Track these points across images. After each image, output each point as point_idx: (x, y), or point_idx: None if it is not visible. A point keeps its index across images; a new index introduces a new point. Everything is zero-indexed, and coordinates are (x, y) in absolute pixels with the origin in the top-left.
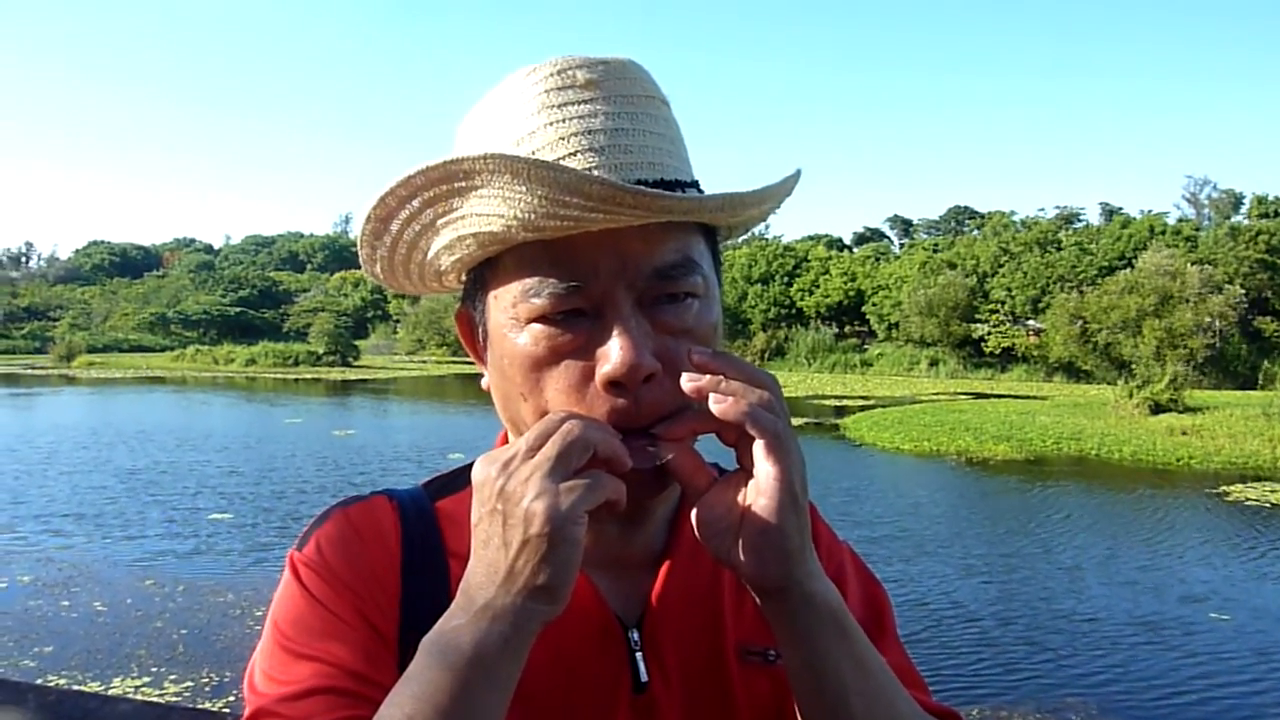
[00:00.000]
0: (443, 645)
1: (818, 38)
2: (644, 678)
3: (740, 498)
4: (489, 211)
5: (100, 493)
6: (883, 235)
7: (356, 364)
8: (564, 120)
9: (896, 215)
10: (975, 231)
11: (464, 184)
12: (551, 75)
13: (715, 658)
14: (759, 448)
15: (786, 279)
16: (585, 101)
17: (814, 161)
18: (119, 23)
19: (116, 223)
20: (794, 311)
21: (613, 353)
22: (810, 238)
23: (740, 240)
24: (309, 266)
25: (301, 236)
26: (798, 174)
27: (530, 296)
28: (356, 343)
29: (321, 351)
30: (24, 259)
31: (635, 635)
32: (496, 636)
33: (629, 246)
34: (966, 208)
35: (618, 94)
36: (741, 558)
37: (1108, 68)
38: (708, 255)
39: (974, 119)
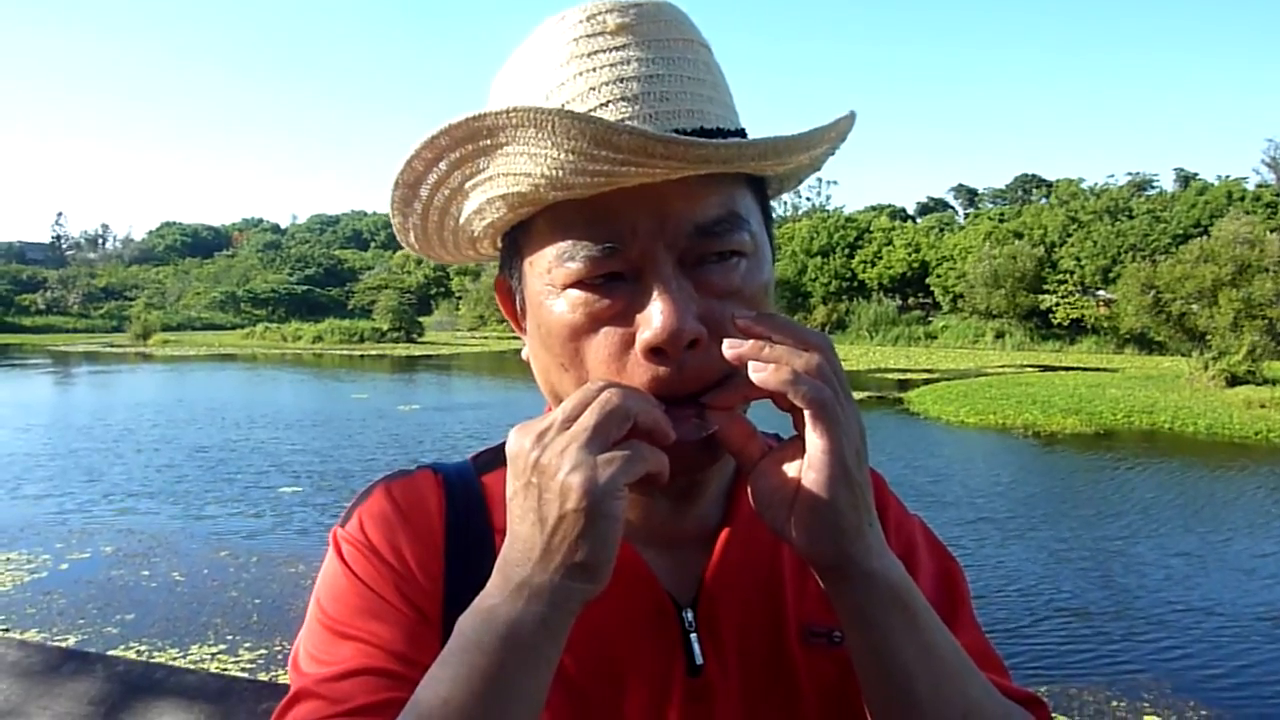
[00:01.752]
0: (478, 626)
1: (881, 8)
2: (699, 660)
3: (795, 468)
4: (516, 170)
5: (176, 467)
6: (947, 205)
7: (420, 340)
8: (594, 69)
9: (961, 185)
10: (1043, 200)
11: (489, 142)
12: (581, 22)
13: (776, 639)
14: (807, 418)
15: (848, 251)
16: (617, 48)
17: (877, 132)
18: (189, 5)
19: (187, 204)
20: (856, 284)
21: (653, 318)
22: (873, 208)
23: (801, 212)
24: (373, 244)
25: (365, 215)
26: (851, 116)
27: (565, 261)
28: (420, 319)
29: (386, 328)
30: (101, 241)
31: (690, 615)
32: (534, 616)
33: (668, 203)
34: (1034, 176)
35: (652, 38)
36: (794, 533)
37: (1182, 31)
38: (756, 210)
39: (1041, 86)
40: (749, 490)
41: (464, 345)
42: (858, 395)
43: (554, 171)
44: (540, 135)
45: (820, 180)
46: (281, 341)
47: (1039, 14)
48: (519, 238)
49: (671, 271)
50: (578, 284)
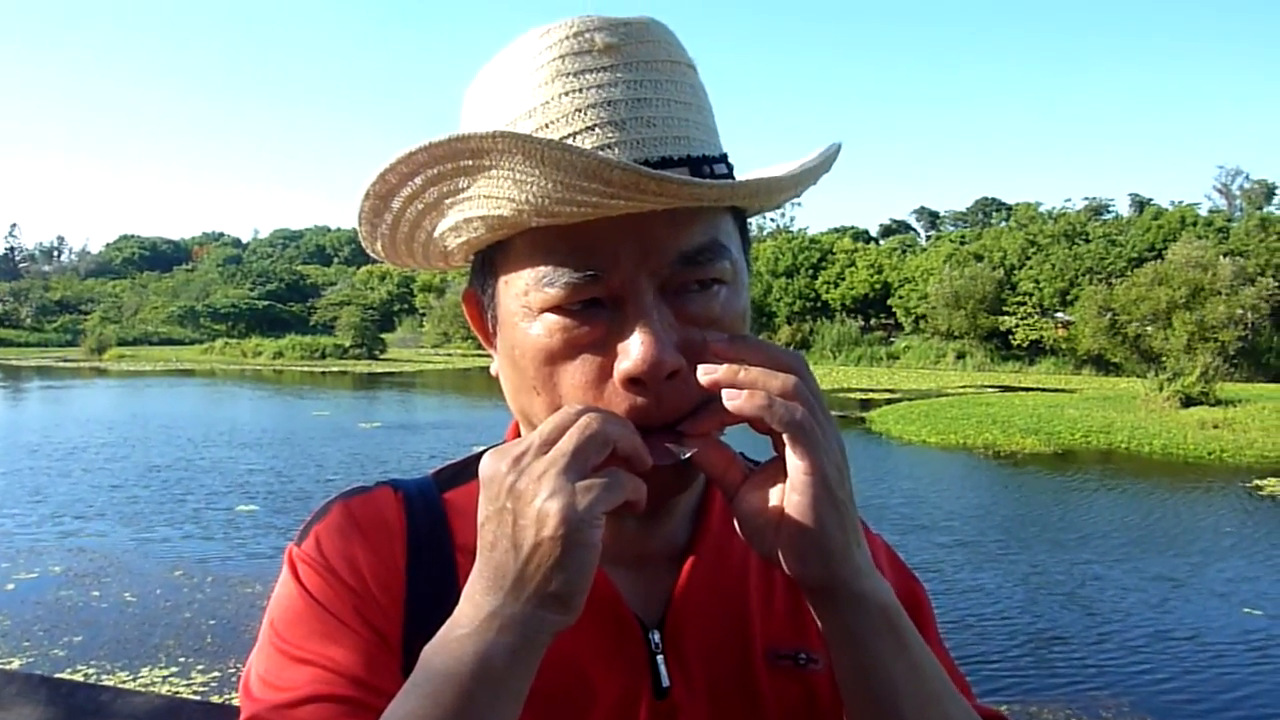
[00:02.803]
0: (445, 657)
1: (843, 31)
2: (665, 682)
3: (778, 492)
4: (498, 194)
5: (130, 484)
6: (909, 227)
7: (383, 357)
8: (580, 90)
9: (923, 207)
10: (1003, 223)
11: (471, 163)
12: (567, 39)
13: (742, 661)
14: (786, 440)
15: (812, 272)
16: (604, 69)
17: (840, 155)
18: (149, 17)
19: (146, 217)
20: (819, 304)
21: (633, 348)
22: (836, 230)
23: (766, 233)
24: (336, 260)
25: (328, 230)
26: (836, 148)
27: (544, 285)
28: (383, 336)
29: (348, 344)
30: (56, 253)
31: (656, 637)
32: (504, 648)
33: (653, 232)
34: (994, 199)
35: (640, 60)
36: (782, 556)
37: (1139, 58)
38: (736, 237)
39: (1001, 110)
40: (734, 517)
41: (428, 362)
42: None
43: (539, 200)
44: (528, 162)
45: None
46: (241, 357)
47: (1000, 40)
48: (495, 255)
49: (652, 301)
50: (556, 309)
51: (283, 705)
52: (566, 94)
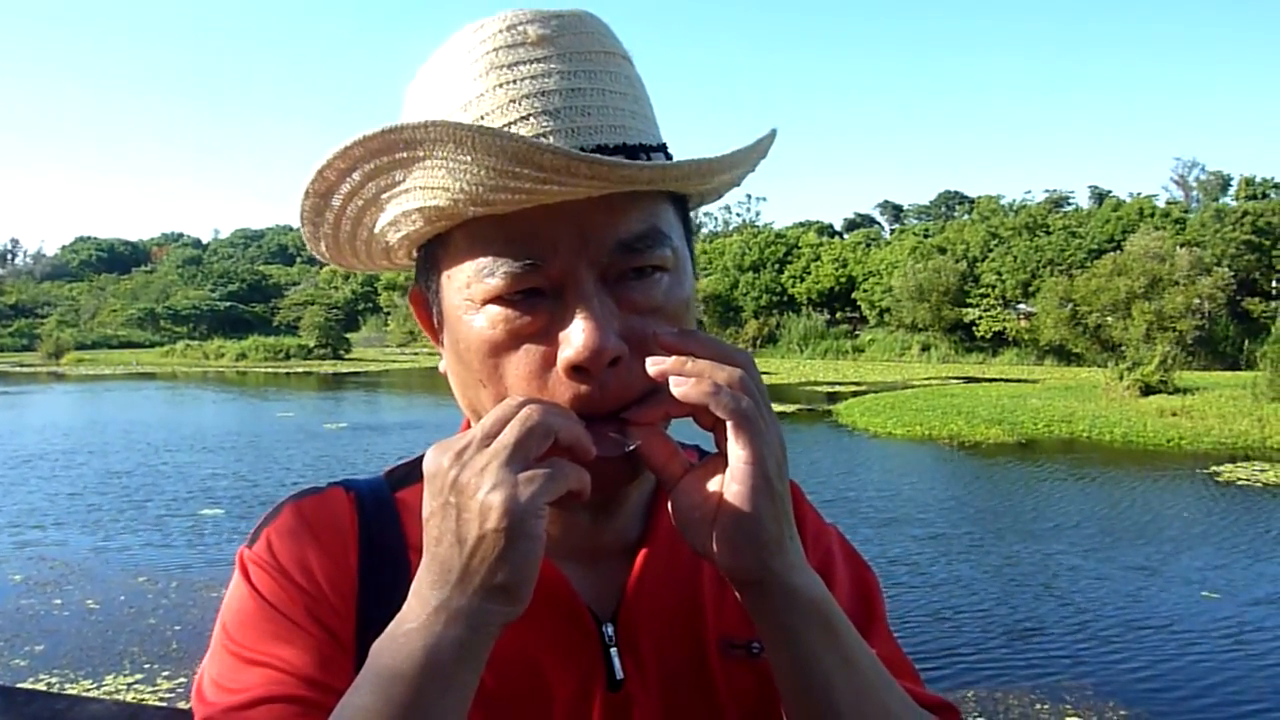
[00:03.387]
0: (394, 651)
1: (805, 22)
2: (619, 675)
3: (717, 483)
4: (434, 184)
5: (92, 490)
6: (873, 221)
7: (348, 357)
8: (515, 81)
9: (887, 201)
10: (965, 216)
11: (406, 155)
12: (500, 32)
13: (696, 652)
14: (729, 429)
15: (778, 266)
16: (538, 60)
17: (804, 148)
18: (103, 19)
19: (103, 218)
20: (786, 298)
21: (574, 336)
22: (801, 224)
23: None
24: (299, 259)
25: (290, 229)
26: (772, 134)
27: (485, 276)
28: (348, 335)
29: (312, 345)
30: (9, 256)
31: (610, 629)
32: (451, 641)
33: (590, 219)
34: (956, 193)
35: (573, 50)
36: (716, 548)
37: (1097, 49)
38: (678, 225)
39: (963, 103)
40: (670, 507)
41: (393, 361)
42: (788, 408)
43: (473, 188)
44: (460, 150)
45: (749, 196)
46: (203, 359)
47: (961, 34)
48: (436, 250)
49: (593, 288)
50: (497, 299)
51: (235, 707)
52: (500, 85)
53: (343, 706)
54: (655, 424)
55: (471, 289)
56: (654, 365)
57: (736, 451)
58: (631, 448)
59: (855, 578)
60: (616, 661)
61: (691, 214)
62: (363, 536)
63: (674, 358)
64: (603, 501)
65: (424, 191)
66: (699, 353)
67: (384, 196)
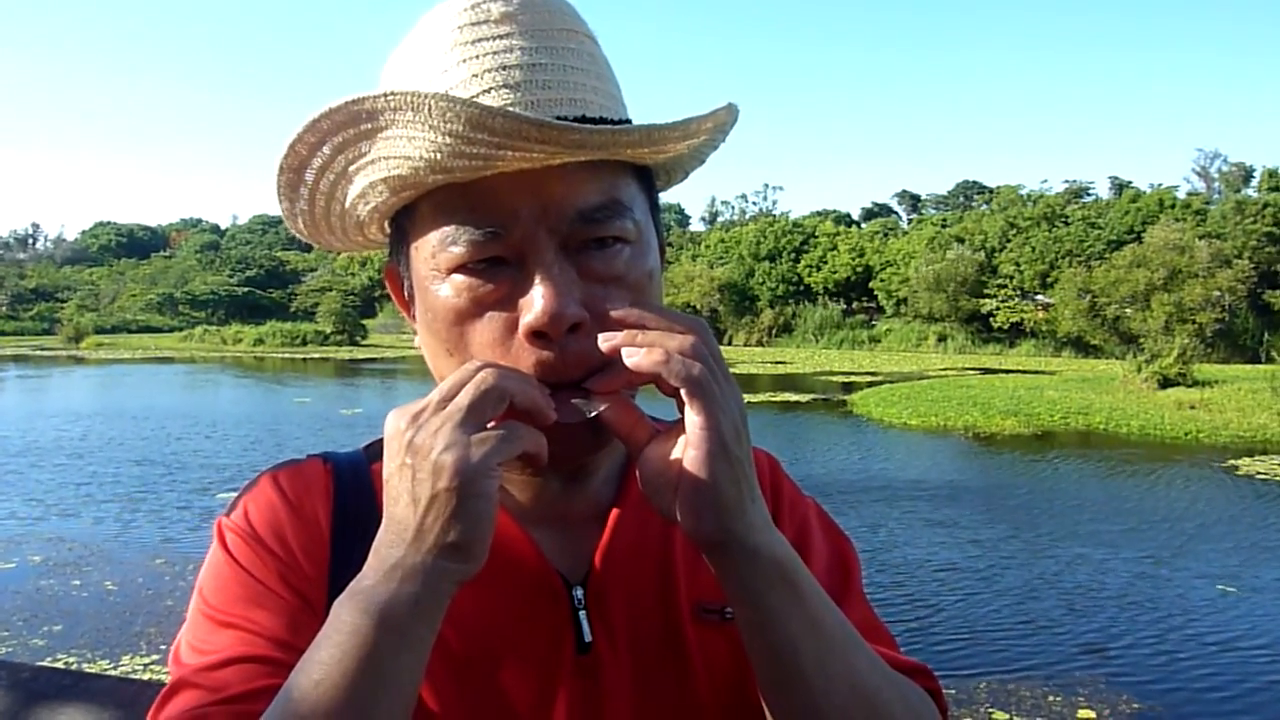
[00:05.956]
0: (352, 608)
1: (825, 14)
2: (588, 638)
3: (678, 450)
4: (395, 154)
5: (111, 473)
6: (891, 211)
7: (364, 343)
8: (477, 56)
9: (905, 191)
10: (983, 206)
11: (369, 126)
12: (465, 10)
13: (668, 616)
14: (684, 396)
15: (794, 255)
16: (500, 37)
17: (822, 138)
18: (126, 5)
19: (123, 204)
20: (802, 288)
21: (535, 301)
22: (818, 214)
23: (748, 216)
24: (316, 246)
25: None
26: (729, 107)
27: (449, 245)
28: (364, 322)
29: (329, 331)
30: (31, 241)
31: (579, 593)
32: (407, 597)
33: (550, 188)
34: (975, 182)
35: (536, 28)
36: (679, 514)
37: (1119, 39)
38: (641, 199)
39: (982, 93)
40: (638, 474)
41: (410, 348)
42: (803, 397)
43: (432, 154)
44: (417, 118)
45: (766, 185)
46: (221, 344)
47: (981, 23)
48: (404, 223)
49: (554, 256)
50: (461, 268)
51: (207, 667)
52: (464, 61)
53: (304, 662)
54: (618, 392)
55: (437, 258)
56: (605, 341)
57: (692, 418)
58: (593, 414)
59: (832, 548)
60: (585, 625)
61: (661, 194)
62: (337, 505)
63: (625, 331)
64: (572, 469)
65: (387, 162)
66: (650, 324)
67: (352, 169)
